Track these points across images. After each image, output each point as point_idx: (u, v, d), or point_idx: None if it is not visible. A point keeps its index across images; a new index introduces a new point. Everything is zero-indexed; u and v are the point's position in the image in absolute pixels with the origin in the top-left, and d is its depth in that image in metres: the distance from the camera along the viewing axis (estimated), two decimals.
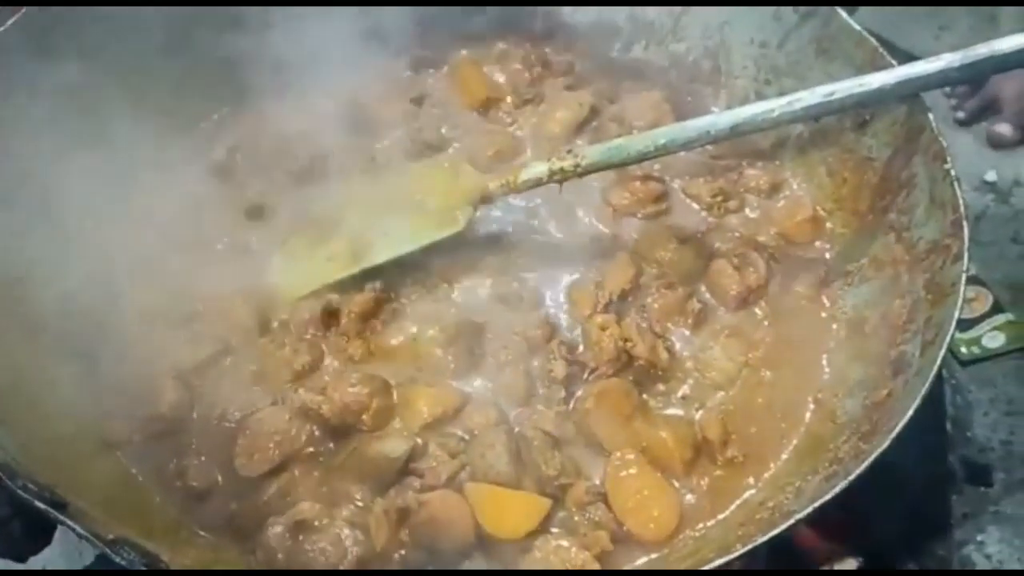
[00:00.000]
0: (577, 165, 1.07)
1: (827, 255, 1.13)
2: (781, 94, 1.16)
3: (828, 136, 1.15)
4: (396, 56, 1.34)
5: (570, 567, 0.86)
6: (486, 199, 1.12)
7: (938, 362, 0.83)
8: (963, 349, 1.34)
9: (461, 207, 1.11)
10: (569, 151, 1.09)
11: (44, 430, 0.92)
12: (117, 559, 0.68)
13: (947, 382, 1.32)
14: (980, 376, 1.33)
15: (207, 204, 1.19)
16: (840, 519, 1.02)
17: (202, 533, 0.92)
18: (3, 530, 0.73)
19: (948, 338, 0.85)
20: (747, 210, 1.18)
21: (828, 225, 1.15)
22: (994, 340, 1.35)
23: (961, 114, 1.42)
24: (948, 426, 1.27)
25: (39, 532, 0.75)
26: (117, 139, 1.17)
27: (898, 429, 0.78)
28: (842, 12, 1.11)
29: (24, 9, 1.06)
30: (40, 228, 1.07)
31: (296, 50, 1.26)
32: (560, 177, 1.08)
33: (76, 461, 0.93)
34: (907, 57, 1.68)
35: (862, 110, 1.07)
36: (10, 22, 1.05)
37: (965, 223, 0.92)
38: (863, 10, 1.84)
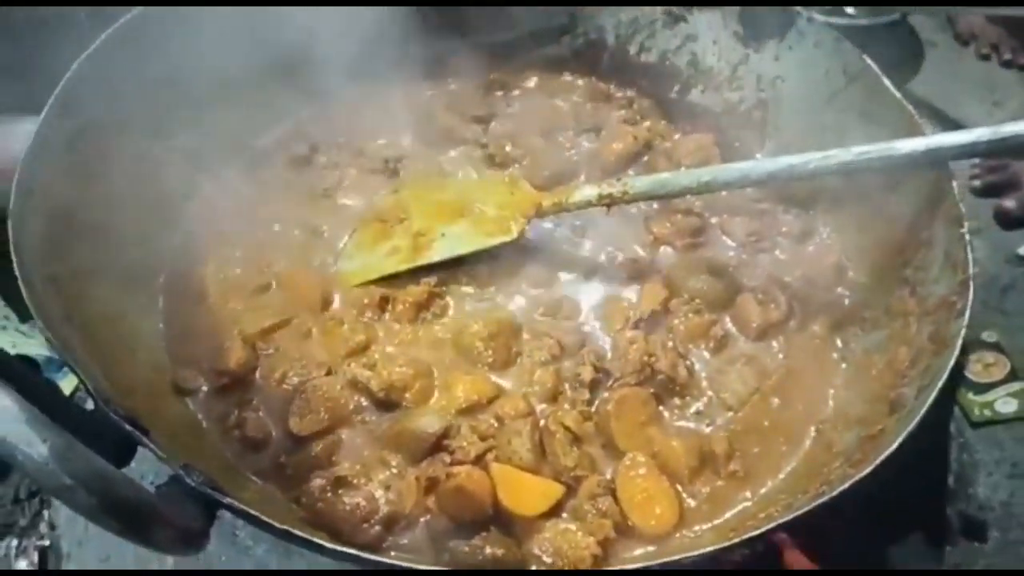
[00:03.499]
0: (625, 192, 1.17)
1: (846, 301, 1.21)
2: (822, 149, 1.26)
3: (860, 191, 1.22)
4: (473, 76, 1.46)
5: (575, 548, 0.95)
6: (539, 214, 1.22)
7: (927, 404, 0.90)
8: (976, 411, 1.39)
9: (515, 219, 1.21)
10: (619, 179, 1.20)
11: (128, 372, 1.05)
12: (188, 480, 0.79)
13: (955, 439, 1.38)
14: (989, 438, 1.38)
15: (287, 191, 1.31)
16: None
17: (253, 478, 1.03)
18: (97, 447, 0.84)
19: (941, 384, 0.91)
20: (777, 251, 1.26)
21: (850, 274, 1.23)
22: (1007, 406, 1.39)
23: (977, 183, 1.47)
24: (951, 480, 1.33)
25: (123, 453, 0.86)
26: (211, 126, 1.31)
27: (883, 457, 0.85)
28: (886, 80, 1.19)
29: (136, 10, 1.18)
30: (144, 195, 1.21)
31: (381, 63, 1.39)
32: (608, 202, 1.18)
33: (151, 401, 1.05)
34: (957, 127, 1.76)
35: (892, 172, 1.15)
36: (125, 19, 1.18)
37: (971, 283, 1.00)
38: (919, 79, 1.93)
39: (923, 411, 0.90)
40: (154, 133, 1.25)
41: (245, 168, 1.34)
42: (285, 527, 0.79)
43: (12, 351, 1.29)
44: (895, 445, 0.87)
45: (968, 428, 1.39)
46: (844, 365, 1.15)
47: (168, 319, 1.16)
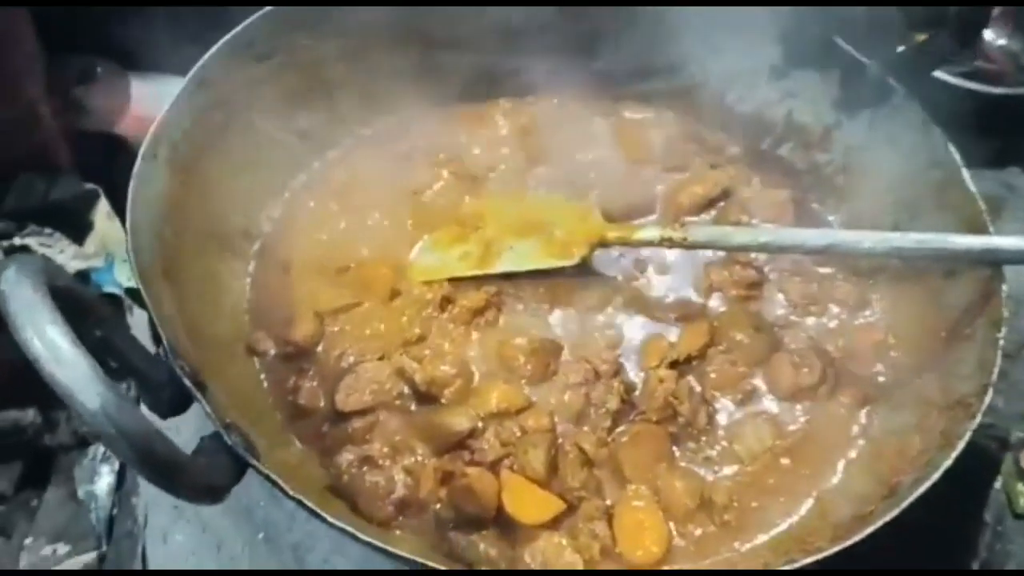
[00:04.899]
0: (685, 239, 1.22)
1: (880, 379, 1.23)
2: (894, 225, 1.29)
3: (920, 275, 1.24)
4: (576, 98, 1.52)
5: (560, 562, 1.04)
6: (602, 244, 1.28)
7: (912, 498, 0.93)
8: (1022, 502, 1.36)
9: (579, 245, 1.28)
10: (682, 225, 1.26)
11: (210, 326, 1.19)
12: (227, 439, 0.91)
13: (991, 527, 1.38)
14: None
15: (384, 182, 1.42)
16: None
17: (296, 442, 1.15)
18: (157, 393, 0.98)
19: (931, 481, 0.95)
20: (825, 318, 1.28)
21: (892, 353, 1.24)
22: None
23: None
24: (975, 565, 1.35)
25: (180, 402, 0.99)
26: (327, 112, 1.44)
27: (849, 543, 0.91)
28: (965, 172, 1.20)
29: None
30: (256, 169, 1.35)
31: (490, 72, 1.49)
32: (668, 244, 1.24)
33: (225, 355, 1.18)
34: None
35: (949, 263, 1.18)
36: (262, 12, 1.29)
37: (990, 390, 1.03)
38: None
39: (904, 504, 0.94)
40: (276, 113, 1.39)
41: (350, 154, 1.46)
42: (298, 496, 0.90)
43: (127, 283, 1.45)
44: (865, 533, 0.92)
45: (1009, 518, 1.38)
46: (862, 441, 1.17)
47: (255, 284, 1.30)
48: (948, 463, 0.97)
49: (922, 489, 0.96)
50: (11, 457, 1.50)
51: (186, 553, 1.33)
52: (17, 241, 1.36)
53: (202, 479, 0.84)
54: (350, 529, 0.89)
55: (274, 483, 0.91)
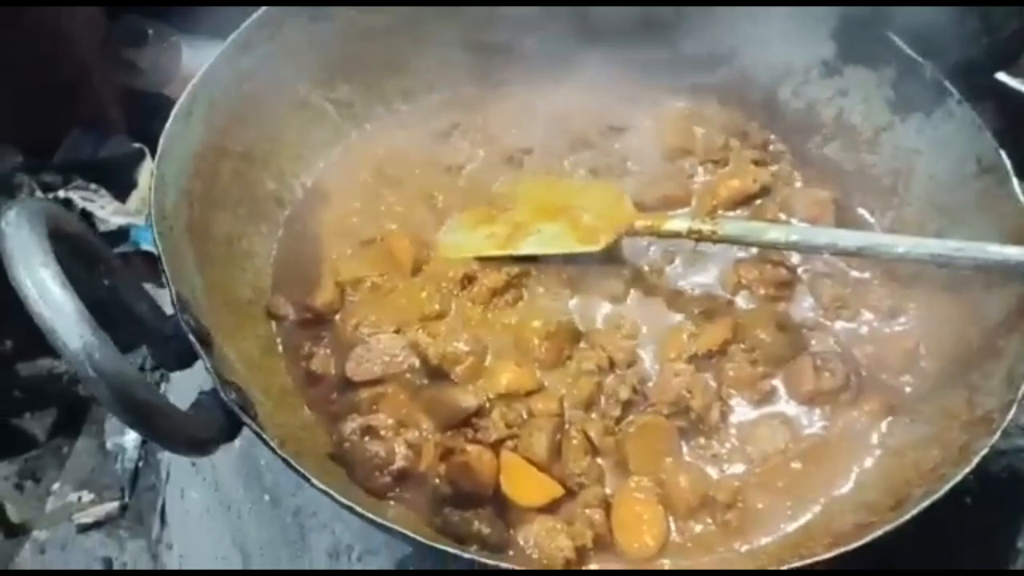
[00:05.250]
0: (714, 232, 1.19)
1: (907, 389, 1.18)
2: (938, 232, 1.24)
3: (960, 284, 1.19)
4: (622, 87, 1.49)
5: (552, 547, 1.02)
6: (630, 233, 1.26)
7: (914, 512, 0.90)
8: None
9: (606, 232, 1.26)
10: (712, 218, 1.23)
11: (232, 286, 1.21)
12: (224, 397, 0.92)
13: None
14: None
15: (419, 157, 1.42)
16: None
17: (305, 408, 1.15)
18: (164, 346, 0.99)
19: (937, 497, 0.91)
20: (856, 323, 1.24)
21: (922, 364, 1.19)
22: None
23: None
24: None
25: (186, 357, 1.01)
26: (369, 85, 1.45)
27: (840, 551, 0.88)
28: (1015, 180, 1.15)
29: None
30: (294, 136, 1.37)
31: (534, 55, 1.48)
32: (696, 237, 1.21)
33: (243, 316, 1.20)
34: None
35: (987, 272, 1.12)
36: None
37: (1015, 406, 0.98)
38: None
39: (907, 517, 0.91)
40: (318, 82, 1.41)
41: (389, 128, 1.47)
42: (285, 456, 0.91)
43: None
44: (861, 542, 0.89)
45: None
46: (880, 451, 1.13)
47: (281, 249, 1.31)
48: (958, 478, 0.94)
49: (927, 503, 0.92)
50: (46, 404, 1.55)
51: (200, 509, 1.36)
52: (61, 194, 1.40)
53: (185, 431, 0.85)
54: (331, 492, 0.89)
55: (265, 442, 0.92)
